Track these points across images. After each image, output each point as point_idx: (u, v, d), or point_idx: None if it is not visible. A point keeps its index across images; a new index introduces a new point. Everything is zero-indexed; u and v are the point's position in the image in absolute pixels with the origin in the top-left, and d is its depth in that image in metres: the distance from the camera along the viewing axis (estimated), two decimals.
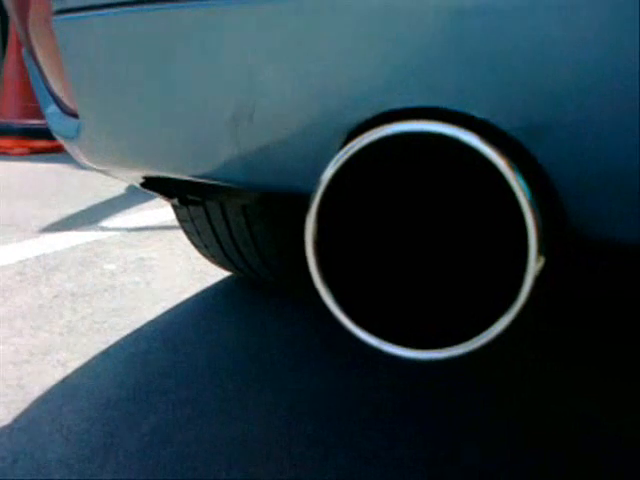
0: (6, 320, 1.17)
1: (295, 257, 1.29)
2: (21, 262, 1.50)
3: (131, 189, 2.44)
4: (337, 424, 0.84)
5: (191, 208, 1.16)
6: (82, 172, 2.78)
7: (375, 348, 0.43)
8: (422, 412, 0.87)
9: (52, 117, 0.70)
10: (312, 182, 0.43)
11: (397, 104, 0.43)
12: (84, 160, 0.68)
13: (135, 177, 0.71)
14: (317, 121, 0.46)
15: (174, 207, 1.22)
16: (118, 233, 1.82)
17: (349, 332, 0.44)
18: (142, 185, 0.75)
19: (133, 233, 1.83)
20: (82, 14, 0.54)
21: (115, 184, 2.51)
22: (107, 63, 0.54)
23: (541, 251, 0.41)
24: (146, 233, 1.83)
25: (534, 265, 0.40)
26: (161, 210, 2.10)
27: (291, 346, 1.10)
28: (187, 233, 1.29)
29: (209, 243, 1.27)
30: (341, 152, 0.42)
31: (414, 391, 0.93)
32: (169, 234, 1.81)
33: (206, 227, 1.22)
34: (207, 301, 1.33)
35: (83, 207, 2.14)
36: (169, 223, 1.94)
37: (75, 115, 0.62)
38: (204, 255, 1.35)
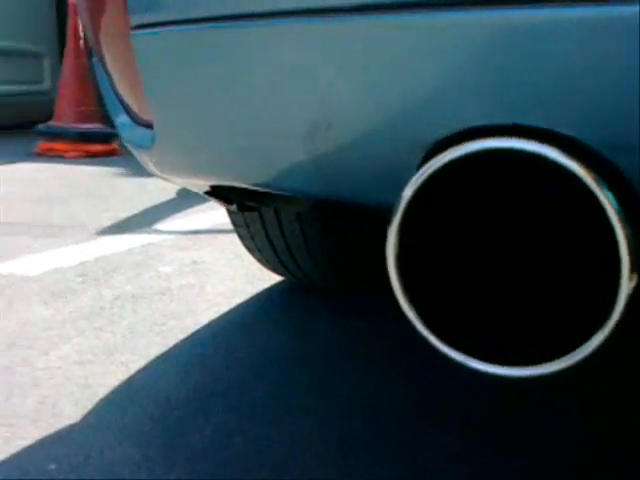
0: (69, 321, 1.22)
1: (347, 263, 1.31)
2: (81, 264, 1.56)
3: (182, 193, 2.50)
4: (388, 430, 0.85)
5: (246, 214, 1.19)
6: (136, 176, 2.86)
7: (459, 363, 0.44)
8: (477, 425, 0.88)
9: (122, 126, 0.73)
10: (388, 196, 0.44)
11: (478, 121, 0.44)
12: (154, 169, 0.71)
13: (201, 185, 0.74)
14: (396, 137, 0.47)
15: (229, 212, 1.25)
16: (171, 236, 1.87)
17: (434, 347, 0.45)
18: (206, 192, 0.78)
19: (186, 236, 1.87)
20: (161, 29, 0.57)
21: (167, 187, 2.57)
22: (185, 77, 0.57)
23: (634, 267, 0.41)
24: (198, 236, 1.87)
25: (627, 281, 0.40)
26: (211, 214, 2.14)
27: (341, 352, 1.11)
28: (241, 237, 1.32)
29: (263, 247, 1.30)
30: (424, 168, 0.43)
31: (475, 401, 0.93)
32: (220, 237, 1.85)
33: (260, 232, 1.24)
34: (260, 305, 1.36)
35: (137, 210, 2.20)
36: (219, 227, 1.98)
37: (147, 125, 0.65)
38: (257, 259, 1.38)
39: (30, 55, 4.84)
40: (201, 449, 0.81)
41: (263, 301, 1.38)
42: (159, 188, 2.56)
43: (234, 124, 0.55)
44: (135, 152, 0.76)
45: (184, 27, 0.55)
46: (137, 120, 0.71)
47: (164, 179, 0.81)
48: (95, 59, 0.81)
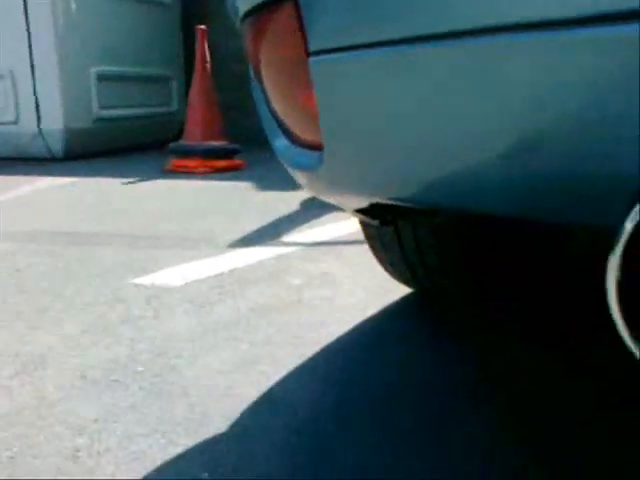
0: (211, 331, 1.27)
1: (485, 278, 1.26)
2: (217, 276, 1.62)
3: (305, 205, 2.55)
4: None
5: (382, 227, 1.18)
6: (261, 190, 2.96)
7: None
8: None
9: (282, 148, 0.74)
10: (597, 218, 0.41)
11: None
12: (320, 189, 0.71)
13: (358, 203, 0.74)
14: (613, 161, 0.44)
15: (362, 225, 1.25)
16: (299, 248, 1.90)
17: None
18: (358, 210, 0.77)
19: (312, 248, 1.90)
20: (341, 54, 0.57)
21: (290, 199, 2.63)
22: (362, 102, 0.56)
23: None
24: (323, 248, 1.89)
25: None
26: (332, 225, 2.16)
27: (472, 373, 1.07)
28: (373, 249, 1.31)
29: (395, 260, 1.29)
30: None
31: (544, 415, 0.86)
32: (345, 249, 1.86)
33: (394, 244, 1.23)
34: (390, 319, 1.34)
35: (265, 223, 2.27)
36: (344, 238, 1.99)
37: (309, 147, 0.66)
38: (388, 272, 1.37)
39: (160, 79, 5.18)
40: (348, 465, 0.80)
41: (395, 313, 1.36)
42: (283, 200, 2.62)
43: (416, 147, 0.54)
44: (293, 172, 0.76)
45: (361, 51, 0.54)
46: (298, 142, 0.71)
47: (320, 197, 0.81)
48: (254, 83, 0.82)
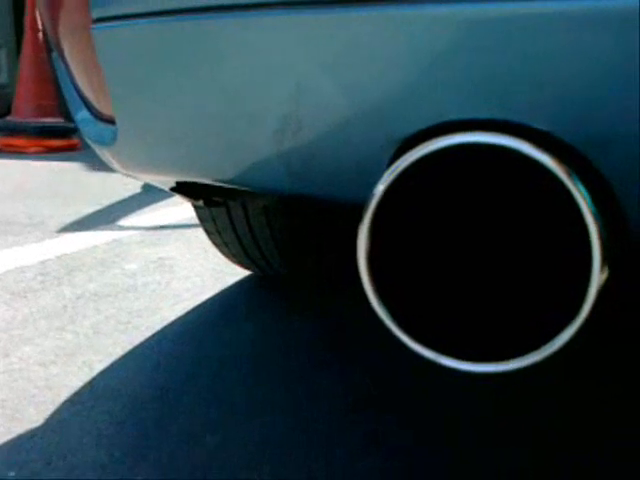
0: (31, 321, 1.18)
1: (315, 255, 1.30)
2: (42, 262, 1.51)
3: (147, 188, 2.45)
4: (364, 420, 0.84)
5: (212, 208, 1.17)
6: (99, 171, 2.80)
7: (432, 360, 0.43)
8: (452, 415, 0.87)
9: (83, 122, 0.70)
10: (359, 192, 0.43)
11: (450, 115, 0.43)
12: (117, 166, 0.68)
13: (166, 181, 0.72)
14: (367, 132, 0.46)
15: (195, 208, 1.22)
16: (136, 232, 1.83)
17: (404, 344, 0.44)
18: (172, 189, 0.75)
19: (151, 232, 1.83)
20: (123, 22, 0.55)
21: (131, 183, 2.52)
22: (147, 71, 0.54)
23: (605, 261, 0.40)
24: (164, 232, 1.84)
25: (598, 275, 0.40)
26: (176, 208, 2.11)
27: (313, 346, 1.10)
28: (208, 232, 1.29)
29: (230, 242, 1.28)
30: (395, 164, 0.42)
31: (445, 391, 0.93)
32: (186, 233, 1.82)
33: (227, 226, 1.22)
34: (227, 301, 1.34)
35: (101, 206, 2.16)
36: (185, 222, 1.95)
37: (109, 121, 0.63)
38: (224, 254, 1.36)
39: None
40: (169, 451, 0.79)
41: (231, 296, 1.36)
42: (123, 183, 2.51)
43: (199, 120, 0.53)
44: (96, 148, 0.73)
45: (147, 20, 0.53)
46: (99, 116, 0.69)
47: (127, 175, 0.79)
48: (54, 53, 0.78)
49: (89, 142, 0.73)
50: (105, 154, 0.69)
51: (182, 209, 2.08)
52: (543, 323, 0.42)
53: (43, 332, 1.13)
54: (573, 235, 0.41)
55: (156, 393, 0.93)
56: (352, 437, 0.82)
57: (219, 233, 1.26)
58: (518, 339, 0.42)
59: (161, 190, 0.97)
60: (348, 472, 0.75)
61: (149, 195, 2.30)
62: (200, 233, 1.75)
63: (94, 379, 0.97)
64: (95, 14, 0.57)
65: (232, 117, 0.51)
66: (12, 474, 0.74)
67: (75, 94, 0.69)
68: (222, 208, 1.16)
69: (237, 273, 1.44)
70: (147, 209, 2.13)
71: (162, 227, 1.89)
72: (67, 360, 1.03)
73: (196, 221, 1.31)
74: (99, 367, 1.01)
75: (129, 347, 1.08)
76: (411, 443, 0.80)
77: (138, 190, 2.44)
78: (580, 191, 0.40)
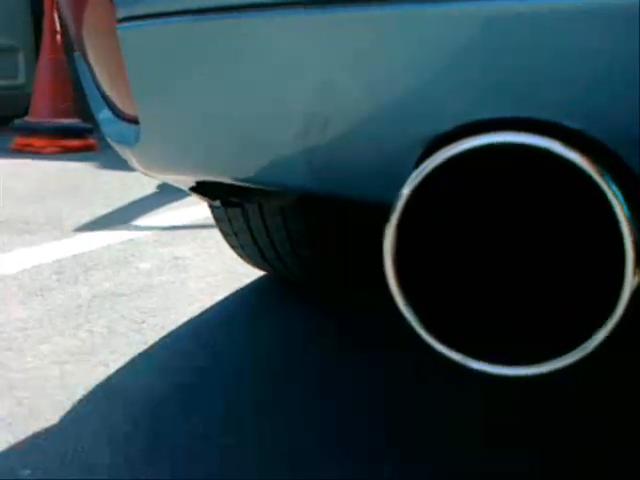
0: (46, 320, 1.18)
1: (332, 258, 1.29)
2: (58, 261, 1.52)
3: (163, 188, 2.46)
4: (380, 430, 0.83)
5: (229, 209, 1.16)
6: (115, 170, 2.81)
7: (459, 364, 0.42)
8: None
9: (105, 122, 0.70)
10: (384, 192, 0.42)
11: (478, 115, 0.42)
12: (138, 165, 0.68)
13: (186, 181, 0.72)
14: (394, 132, 0.45)
15: (212, 208, 1.22)
16: (151, 232, 1.83)
17: (432, 348, 0.43)
18: (191, 188, 0.75)
19: (166, 232, 1.84)
20: (148, 21, 0.54)
21: (147, 182, 2.53)
22: (172, 70, 0.54)
23: (639, 262, 0.39)
24: (179, 232, 1.84)
25: (631, 279, 0.39)
26: (191, 209, 2.11)
27: (328, 346, 1.09)
28: (224, 233, 1.29)
29: (246, 243, 1.28)
30: (423, 164, 0.41)
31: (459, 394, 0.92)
32: (201, 233, 1.82)
33: (243, 227, 1.22)
34: (241, 301, 1.34)
35: (116, 206, 2.16)
36: (200, 222, 1.95)
37: (132, 121, 0.63)
38: (239, 255, 1.35)
39: (4, 50, 4.75)
40: (184, 449, 0.78)
41: (245, 297, 1.36)
42: (139, 183, 2.51)
43: (224, 119, 0.53)
44: (118, 148, 0.73)
45: (173, 19, 0.53)
46: (121, 115, 0.68)
47: (147, 175, 0.79)
48: (77, 53, 0.78)
49: (110, 142, 0.73)
50: (127, 154, 0.69)
51: (197, 209, 2.08)
52: (576, 325, 0.41)
53: (59, 331, 1.13)
54: (605, 235, 0.40)
55: (170, 392, 0.93)
56: (366, 437, 0.81)
57: (235, 234, 1.26)
58: (549, 342, 0.41)
59: (176, 190, 0.97)
60: (363, 473, 0.74)
61: (164, 195, 2.31)
62: (215, 233, 1.75)
63: (109, 378, 0.97)
64: (121, 13, 0.57)
65: (258, 116, 0.50)
66: (27, 472, 0.74)
67: (97, 94, 0.69)
68: (238, 209, 1.15)
69: (252, 273, 1.44)
70: (162, 209, 2.13)
71: (177, 227, 1.89)
72: (82, 359, 1.03)
73: (211, 221, 1.31)
74: (114, 366, 1.01)
75: (144, 347, 1.08)
76: (430, 445, 0.79)
77: (153, 190, 2.44)
78: (613, 191, 0.39)
